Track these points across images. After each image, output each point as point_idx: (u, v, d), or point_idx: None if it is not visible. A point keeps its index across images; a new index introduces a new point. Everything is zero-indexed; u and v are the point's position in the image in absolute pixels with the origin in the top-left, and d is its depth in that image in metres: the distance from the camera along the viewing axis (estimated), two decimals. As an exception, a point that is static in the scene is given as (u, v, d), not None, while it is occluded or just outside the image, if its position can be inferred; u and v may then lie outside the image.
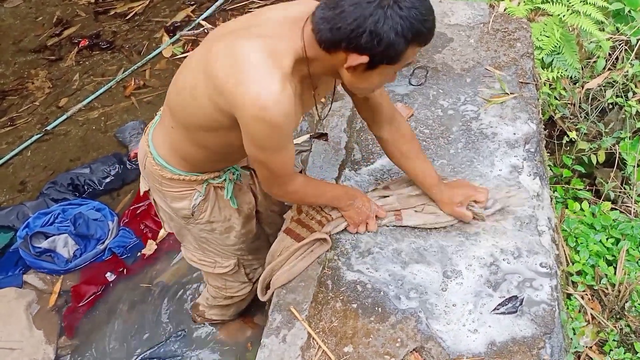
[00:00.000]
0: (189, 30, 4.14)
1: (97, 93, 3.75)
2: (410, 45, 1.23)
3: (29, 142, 3.51)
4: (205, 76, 1.36)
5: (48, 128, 3.58)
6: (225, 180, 1.74)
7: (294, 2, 1.42)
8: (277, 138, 1.34)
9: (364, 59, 1.23)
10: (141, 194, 1.89)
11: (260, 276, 2.07)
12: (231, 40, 1.33)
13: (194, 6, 4.43)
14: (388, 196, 1.77)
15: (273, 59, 1.27)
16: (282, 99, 1.26)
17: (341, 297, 1.58)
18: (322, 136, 2.03)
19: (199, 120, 1.46)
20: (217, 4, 4.32)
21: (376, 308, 1.54)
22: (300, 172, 2.32)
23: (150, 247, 2.85)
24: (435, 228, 1.71)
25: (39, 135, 3.55)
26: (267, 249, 2.06)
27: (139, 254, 2.86)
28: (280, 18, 1.35)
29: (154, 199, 1.85)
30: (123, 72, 3.89)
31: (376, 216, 1.73)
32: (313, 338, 1.50)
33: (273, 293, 1.66)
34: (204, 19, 4.24)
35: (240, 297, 2.15)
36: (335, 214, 1.73)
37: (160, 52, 4.01)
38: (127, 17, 4.43)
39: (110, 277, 2.77)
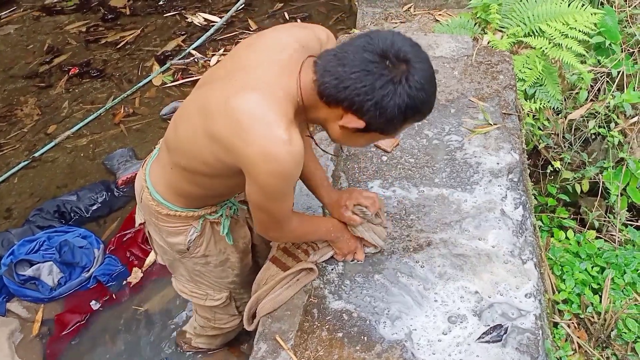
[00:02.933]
0: (179, 59, 4.19)
1: (86, 120, 3.76)
2: (407, 121, 1.26)
3: (16, 168, 3.50)
4: (206, 137, 1.33)
5: (35, 155, 3.57)
6: (221, 215, 1.72)
7: (273, 39, 1.39)
8: (287, 187, 1.34)
9: (361, 124, 1.24)
10: (136, 225, 1.87)
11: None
12: (224, 96, 1.29)
13: (184, 36, 4.49)
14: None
15: (275, 110, 1.25)
16: (292, 148, 1.24)
17: (327, 326, 1.58)
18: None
19: (199, 166, 1.44)
20: (208, 34, 4.38)
21: (362, 337, 1.54)
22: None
23: (136, 275, 2.83)
24: (421, 256, 1.72)
25: (26, 162, 3.53)
26: None
27: (124, 282, 2.84)
28: (264, 64, 1.32)
29: (148, 232, 1.82)
30: (112, 100, 3.91)
31: (364, 245, 1.74)
32: (298, 367, 1.49)
33: (259, 322, 1.65)
34: (194, 49, 4.29)
35: (229, 329, 2.13)
36: (321, 243, 1.74)
37: (150, 80, 4.05)
38: (118, 46, 4.47)
39: (95, 305, 2.74)
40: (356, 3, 3.35)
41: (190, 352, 2.42)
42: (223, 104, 1.28)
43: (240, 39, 4.39)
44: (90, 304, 2.74)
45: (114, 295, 2.79)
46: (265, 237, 1.64)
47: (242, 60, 1.37)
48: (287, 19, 4.71)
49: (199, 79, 4.17)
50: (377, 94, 1.18)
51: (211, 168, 1.41)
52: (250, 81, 1.30)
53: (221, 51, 4.25)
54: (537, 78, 2.68)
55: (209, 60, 4.23)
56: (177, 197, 1.62)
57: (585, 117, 2.96)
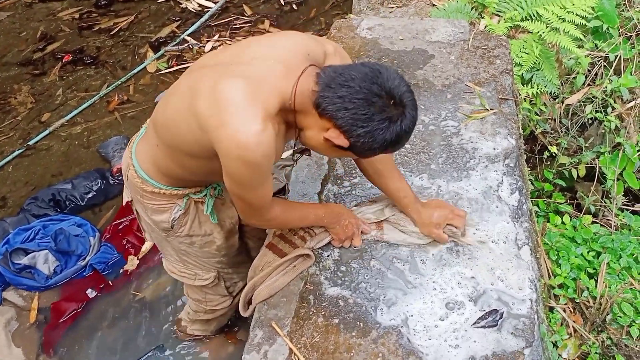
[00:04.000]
0: (173, 45, 4.15)
1: (80, 108, 3.73)
2: (382, 152, 1.36)
3: (11, 157, 3.48)
4: (189, 112, 1.39)
5: (30, 143, 3.55)
6: (206, 195, 1.74)
7: (281, 41, 1.46)
8: (256, 176, 1.37)
9: (346, 143, 1.32)
10: (124, 203, 1.89)
11: (240, 290, 2.07)
12: (215, 78, 1.36)
13: (178, 22, 4.45)
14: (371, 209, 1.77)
15: (255, 100, 1.31)
16: (262, 139, 1.29)
17: (323, 312, 1.57)
18: (305, 151, 2.03)
19: (182, 146, 1.49)
20: (202, 20, 4.34)
21: (358, 323, 1.54)
22: (283, 187, 2.33)
23: (132, 263, 2.83)
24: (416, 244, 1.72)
25: (20, 151, 3.51)
26: (249, 263, 2.06)
27: (120, 270, 2.83)
28: (270, 60, 1.39)
29: (136, 210, 1.85)
30: (107, 87, 3.88)
31: (361, 231, 1.74)
32: (294, 354, 1.49)
33: (255, 308, 1.65)
34: (188, 35, 4.25)
35: (221, 311, 2.14)
36: (318, 229, 1.73)
37: (145, 67, 4.01)
38: (112, 33, 4.43)
39: (91, 293, 2.74)
40: (352, -13, 3.31)
41: (187, 340, 2.43)
42: (212, 85, 1.35)
43: (235, 24, 4.36)
44: (87, 292, 2.73)
45: (110, 283, 2.79)
46: (247, 223, 1.66)
47: (248, 53, 1.44)
48: (282, 4, 4.67)
49: (193, 65, 4.14)
50: (373, 125, 1.29)
51: (191, 147, 1.46)
52: (248, 70, 1.37)
53: (216, 37, 4.21)
54: (534, 63, 2.67)
55: (204, 47, 4.19)
56: (162, 175, 1.65)
57: (582, 101, 2.95)
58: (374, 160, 1.67)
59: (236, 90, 1.31)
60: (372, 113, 1.28)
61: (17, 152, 3.50)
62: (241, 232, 2.01)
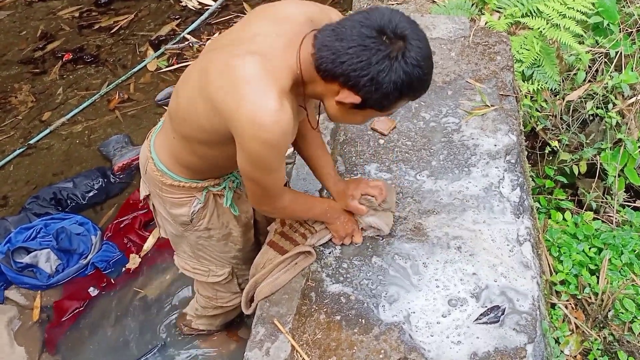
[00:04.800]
0: (173, 44, 4.15)
1: (81, 107, 3.73)
2: (403, 98, 1.26)
3: (12, 156, 3.48)
4: (202, 97, 1.35)
5: (31, 142, 3.55)
6: (225, 188, 1.73)
7: (280, 11, 1.39)
8: (273, 157, 1.33)
9: (357, 99, 1.24)
10: (141, 198, 1.88)
11: None
12: (225, 59, 1.31)
13: (179, 20, 4.44)
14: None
15: (269, 76, 1.26)
16: (280, 117, 1.24)
17: (325, 309, 1.58)
18: (306, 148, 2.03)
19: (198, 134, 1.46)
20: (202, 18, 4.33)
21: (360, 320, 1.54)
22: (286, 184, 2.33)
23: (134, 261, 2.83)
24: (419, 239, 1.72)
25: (21, 150, 3.51)
26: None
27: (122, 268, 2.84)
28: (272, 35, 1.33)
29: (152, 204, 1.84)
30: (107, 86, 3.88)
31: (361, 228, 1.74)
32: (296, 351, 1.49)
33: (256, 306, 1.65)
34: (188, 33, 4.25)
35: (231, 307, 2.14)
36: (318, 227, 1.73)
37: (145, 65, 4.01)
38: (112, 31, 4.42)
39: (93, 292, 2.74)
40: (352, -15, 3.31)
41: (189, 336, 2.43)
42: (223, 65, 1.30)
43: (235, 22, 4.34)
44: (89, 290, 2.74)
45: (112, 282, 2.79)
46: (257, 210, 1.66)
47: (251, 29, 1.38)
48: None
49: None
50: (374, 70, 1.18)
51: (207, 134, 1.42)
52: (253, 47, 1.31)
53: (216, 35, 4.21)
54: (535, 59, 2.66)
55: (204, 45, 4.19)
56: (181, 167, 1.63)
57: (583, 98, 2.94)
58: (304, 130, 1.66)
59: (248, 69, 1.26)
60: (368, 57, 1.18)
61: (18, 151, 3.50)
62: (255, 228, 2.01)
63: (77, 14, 4.70)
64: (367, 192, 1.68)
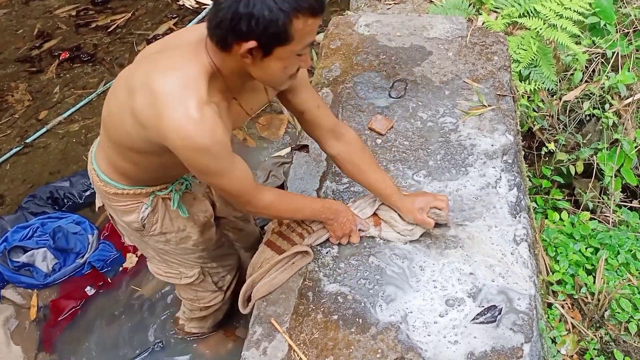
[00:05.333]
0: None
1: (78, 106, 3.73)
2: (294, 18, 1.21)
3: (8, 155, 3.47)
4: (129, 110, 1.36)
5: (27, 141, 3.54)
6: (171, 191, 1.72)
7: (199, 25, 1.41)
8: (213, 161, 1.33)
9: (252, 44, 1.23)
10: (96, 210, 1.89)
11: (230, 284, 2.07)
12: (147, 72, 1.33)
13: (176, 19, 4.44)
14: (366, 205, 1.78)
15: (187, 87, 1.28)
16: (203, 124, 1.26)
17: (322, 309, 1.58)
18: (303, 148, 2.04)
19: (130, 143, 1.46)
20: (200, 17, 4.33)
21: (357, 319, 1.54)
22: (282, 184, 2.33)
23: (131, 260, 2.83)
24: (416, 239, 1.72)
25: (18, 148, 3.51)
26: (232, 255, 2.07)
27: (119, 267, 2.83)
28: (185, 43, 1.36)
29: (109, 214, 1.83)
30: (104, 85, 3.88)
31: (359, 229, 1.74)
32: (294, 350, 1.49)
33: (254, 305, 1.65)
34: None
35: (214, 306, 2.15)
36: (316, 226, 1.73)
37: (142, 64, 4.00)
38: (109, 30, 4.42)
39: (89, 291, 2.74)
40: (349, -16, 3.31)
41: (186, 337, 2.43)
42: (144, 81, 1.31)
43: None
44: (85, 289, 2.74)
45: (109, 281, 2.79)
46: (245, 212, 1.65)
47: (172, 41, 1.43)
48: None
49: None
50: (241, 8, 1.18)
51: (138, 145, 1.43)
52: (170, 61, 1.34)
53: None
54: (532, 59, 2.67)
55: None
56: (120, 175, 1.63)
57: (580, 98, 2.95)
58: (350, 156, 1.67)
59: (166, 83, 1.28)
60: (232, 1, 1.18)
61: (14, 150, 3.49)
62: (219, 225, 2.02)
63: (74, 13, 4.69)
64: (436, 205, 1.67)
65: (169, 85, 1.28)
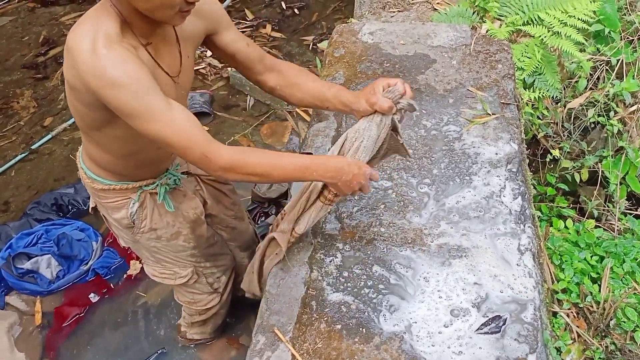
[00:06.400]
0: (175, 49, 4.15)
1: (83, 112, 3.74)
2: None
3: (13, 161, 3.49)
4: (66, 85, 1.42)
5: (33, 147, 3.56)
6: (158, 185, 1.74)
7: None
8: (134, 99, 1.29)
9: None
10: (90, 211, 1.92)
11: (225, 286, 2.10)
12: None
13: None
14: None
15: (96, 28, 1.30)
16: (111, 57, 1.27)
17: (325, 318, 1.57)
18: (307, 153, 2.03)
19: (83, 119, 1.49)
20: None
21: (360, 329, 1.54)
22: (286, 191, 2.32)
23: (135, 267, 2.83)
24: (420, 248, 1.71)
25: (23, 155, 3.52)
26: (226, 255, 2.09)
27: (123, 274, 2.84)
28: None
29: (102, 215, 1.87)
30: (109, 92, 3.89)
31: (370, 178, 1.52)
32: (297, 360, 1.49)
33: (266, 284, 1.63)
34: (191, 39, 4.25)
35: (212, 310, 2.16)
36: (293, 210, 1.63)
37: (147, 71, 4.01)
38: (114, 37, 4.43)
39: (93, 298, 2.74)
40: (353, -8, 3.31)
41: (189, 345, 2.43)
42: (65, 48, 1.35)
43: (238, 29, 4.36)
44: (89, 296, 2.74)
45: (112, 287, 2.79)
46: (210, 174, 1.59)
47: None
48: (284, 8, 4.68)
49: (195, 69, 4.15)
50: None
51: (89, 118, 1.45)
52: (80, 19, 1.38)
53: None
54: (536, 67, 2.66)
55: (206, 51, 4.20)
56: (103, 170, 1.66)
57: (585, 105, 2.94)
58: (289, 78, 1.63)
59: (78, 31, 1.32)
60: None
61: (19, 157, 3.51)
62: (211, 223, 2.04)
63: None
64: (389, 83, 1.50)
65: (78, 37, 1.31)
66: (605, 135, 2.89)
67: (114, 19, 1.34)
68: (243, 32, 4.38)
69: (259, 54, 1.65)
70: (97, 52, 1.26)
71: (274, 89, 1.67)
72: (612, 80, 2.91)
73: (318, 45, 4.17)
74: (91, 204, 1.89)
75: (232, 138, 3.58)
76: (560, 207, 2.69)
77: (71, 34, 1.33)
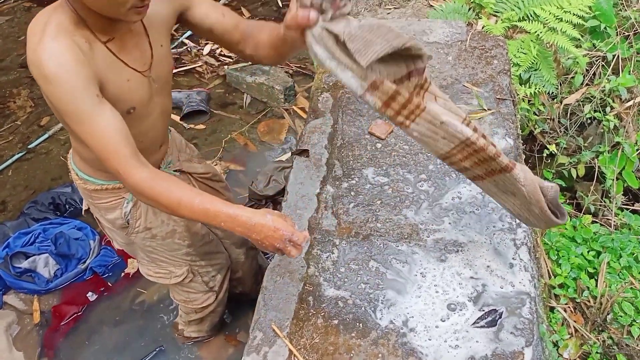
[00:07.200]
0: (172, 48, 4.15)
1: (80, 111, 3.73)
2: None
3: (10, 161, 3.48)
4: None
5: (30, 147, 3.56)
6: None
7: None
8: (62, 95, 1.25)
9: None
10: (83, 213, 1.93)
11: (221, 284, 2.11)
12: None
13: (177, 25, 4.44)
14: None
15: (46, 20, 1.27)
16: (52, 48, 1.23)
17: (322, 314, 1.57)
18: (304, 152, 2.04)
19: (56, 114, 1.44)
20: None
21: (357, 324, 1.54)
22: (284, 188, 2.31)
23: (132, 265, 2.83)
24: (417, 243, 1.72)
25: (20, 154, 3.52)
26: (221, 254, 2.09)
27: (121, 273, 2.84)
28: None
29: (96, 217, 1.85)
30: (106, 91, 3.88)
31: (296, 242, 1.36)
32: (294, 355, 1.49)
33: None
34: (187, 38, 4.26)
35: (208, 308, 2.15)
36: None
37: (144, 70, 4.01)
38: (111, 36, 4.43)
39: (91, 296, 2.74)
40: (350, -11, 3.31)
41: (187, 343, 2.43)
42: None
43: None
44: (87, 295, 2.74)
45: (110, 286, 2.79)
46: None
47: None
48: (280, 6, 4.68)
49: (192, 68, 4.15)
50: None
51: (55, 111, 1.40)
52: (39, 14, 1.34)
53: (214, 40, 4.22)
54: (532, 63, 2.67)
55: (202, 49, 4.20)
56: (92, 169, 1.64)
57: (581, 101, 2.95)
58: (261, 36, 1.51)
59: (32, 28, 1.29)
60: None
61: (16, 156, 3.51)
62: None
63: (75, 19, 4.71)
64: None
65: (31, 27, 1.29)
66: (602, 130, 2.90)
67: (69, 12, 1.30)
68: (240, 30, 4.39)
69: (234, 22, 1.55)
70: (42, 42, 1.23)
71: (252, 56, 1.58)
72: (608, 75, 2.92)
73: (315, 43, 4.16)
74: (84, 206, 1.88)
75: (229, 136, 3.58)
76: (557, 202, 2.69)
77: (30, 24, 1.31)
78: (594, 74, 3.04)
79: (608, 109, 2.86)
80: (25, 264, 2.76)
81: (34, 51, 1.24)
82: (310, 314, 1.58)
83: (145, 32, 1.47)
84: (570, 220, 2.46)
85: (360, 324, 1.54)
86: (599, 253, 2.26)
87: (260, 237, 1.32)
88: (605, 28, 2.96)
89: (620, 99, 2.89)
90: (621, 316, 2.03)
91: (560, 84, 2.95)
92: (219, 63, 4.16)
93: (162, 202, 1.33)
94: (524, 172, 1.38)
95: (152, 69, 1.50)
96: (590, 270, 2.19)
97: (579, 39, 2.74)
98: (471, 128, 1.31)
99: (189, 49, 4.16)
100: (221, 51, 4.22)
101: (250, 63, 3.98)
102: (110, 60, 1.38)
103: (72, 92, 1.24)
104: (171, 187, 1.33)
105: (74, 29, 1.30)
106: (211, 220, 1.33)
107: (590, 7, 2.69)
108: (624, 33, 3.10)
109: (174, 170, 1.84)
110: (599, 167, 2.80)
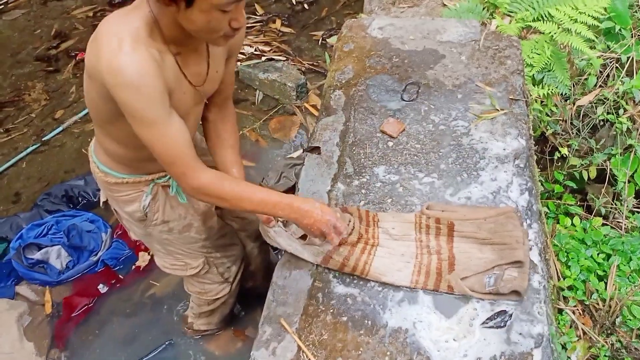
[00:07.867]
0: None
1: (93, 105, 3.76)
2: None
3: (24, 153, 3.52)
4: (85, 73, 1.42)
5: (44, 139, 3.59)
6: (170, 178, 1.76)
7: None
8: (141, 104, 1.32)
9: None
10: (101, 205, 1.95)
11: (235, 275, 2.13)
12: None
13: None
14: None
15: (124, 29, 1.31)
16: (134, 59, 1.28)
17: (331, 310, 1.59)
18: (315, 150, 2.05)
19: (97, 114, 1.51)
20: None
21: (366, 321, 1.55)
22: (293, 186, 2.33)
23: (144, 258, 2.86)
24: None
25: (34, 147, 3.56)
26: (236, 245, 2.11)
27: (132, 266, 2.86)
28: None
29: (114, 209, 1.89)
30: (119, 85, 3.91)
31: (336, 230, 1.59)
32: (303, 351, 1.50)
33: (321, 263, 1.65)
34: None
35: (221, 299, 2.17)
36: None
37: (157, 65, 4.04)
38: (125, 31, 4.46)
39: (102, 288, 2.77)
40: (363, -13, 3.31)
41: (196, 336, 2.45)
42: (93, 38, 1.36)
43: (247, 23, 4.37)
44: (98, 287, 2.77)
45: (121, 279, 2.82)
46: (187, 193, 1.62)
47: None
48: (294, 3, 4.68)
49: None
50: None
51: (105, 111, 1.46)
52: (114, 14, 1.38)
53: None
54: (546, 63, 2.65)
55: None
56: (116, 163, 1.68)
57: (594, 103, 2.93)
58: (221, 128, 1.75)
59: (106, 25, 1.32)
60: None
61: (31, 149, 3.55)
62: (221, 215, 2.05)
63: (90, 14, 4.75)
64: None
65: (108, 30, 1.32)
66: (614, 133, 2.88)
67: (146, 21, 1.34)
68: (253, 27, 4.40)
69: (229, 87, 1.75)
70: (122, 51, 1.27)
71: (206, 121, 1.77)
72: (622, 77, 2.90)
73: (327, 40, 4.17)
74: (102, 198, 1.91)
75: (241, 132, 3.60)
76: (568, 204, 2.68)
77: (102, 25, 1.34)
78: (608, 75, 3.02)
79: (621, 111, 2.84)
80: (37, 255, 2.79)
81: (113, 59, 1.27)
82: (319, 311, 1.59)
83: (207, 55, 1.55)
84: (581, 222, 2.45)
85: (369, 322, 1.55)
86: (609, 256, 2.25)
87: (310, 222, 1.52)
88: (620, 30, 2.94)
89: (634, 101, 2.87)
90: (630, 319, 2.02)
91: (574, 86, 2.93)
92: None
93: (228, 199, 1.49)
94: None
95: (204, 85, 1.59)
96: (600, 272, 2.18)
97: (594, 40, 2.72)
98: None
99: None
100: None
101: (263, 60, 4.00)
102: (176, 73, 1.45)
103: (150, 100, 1.32)
104: (234, 186, 1.49)
105: (148, 40, 1.34)
106: (270, 209, 1.51)
107: (605, 9, 2.67)
108: (638, 35, 3.08)
109: None
110: (610, 169, 2.78)
